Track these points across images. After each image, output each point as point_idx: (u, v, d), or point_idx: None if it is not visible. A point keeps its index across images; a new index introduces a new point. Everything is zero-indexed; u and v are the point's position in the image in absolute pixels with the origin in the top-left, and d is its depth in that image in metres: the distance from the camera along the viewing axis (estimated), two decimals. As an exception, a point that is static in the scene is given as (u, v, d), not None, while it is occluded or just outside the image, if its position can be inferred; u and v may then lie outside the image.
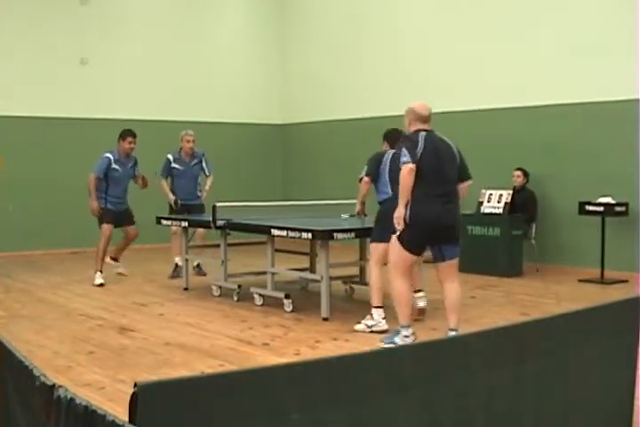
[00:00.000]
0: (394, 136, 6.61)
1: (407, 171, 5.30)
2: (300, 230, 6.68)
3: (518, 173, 9.78)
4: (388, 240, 5.69)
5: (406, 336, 5.63)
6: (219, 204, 7.76)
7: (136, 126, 10.61)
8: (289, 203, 9.63)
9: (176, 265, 9.22)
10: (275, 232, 6.97)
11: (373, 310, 6.27)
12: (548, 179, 9.84)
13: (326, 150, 12.95)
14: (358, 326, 6.32)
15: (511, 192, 9.58)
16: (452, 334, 5.51)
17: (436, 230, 5.45)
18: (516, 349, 2.83)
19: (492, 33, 10.40)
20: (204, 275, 9.25)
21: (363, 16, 12.24)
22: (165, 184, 9.29)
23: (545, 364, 2.96)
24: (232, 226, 7.63)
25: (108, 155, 8.77)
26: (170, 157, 9.32)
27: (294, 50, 13.68)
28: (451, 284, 5.67)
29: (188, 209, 9.16)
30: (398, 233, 5.46)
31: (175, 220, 8.51)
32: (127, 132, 8.84)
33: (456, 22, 10.84)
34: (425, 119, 5.58)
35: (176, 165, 9.27)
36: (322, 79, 13.02)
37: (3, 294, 8.04)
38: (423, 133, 5.49)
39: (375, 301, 6.29)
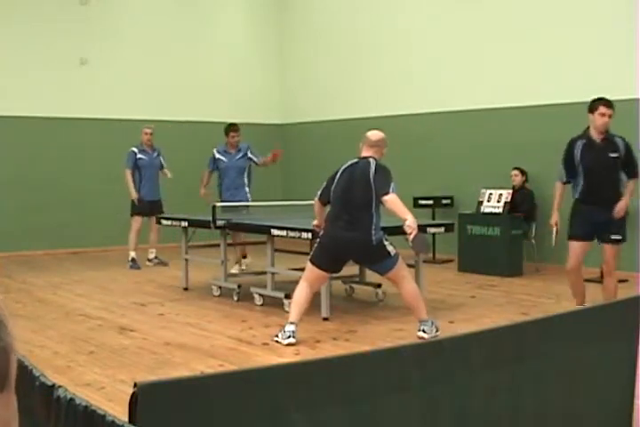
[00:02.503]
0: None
1: (315, 201, 6.24)
2: (300, 230, 6.68)
3: (515, 172, 9.78)
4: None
5: (291, 332, 5.74)
6: (218, 204, 7.75)
7: (136, 126, 10.60)
8: (289, 203, 9.62)
9: (132, 259, 9.76)
10: (275, 232, 6.97)
11: None
12: (548, 178, 9.81)
13: (326, 150, 12.92)
14: None
15: (511, 192, 9.58)
16: (421, 327, 5.90)
17: (334, 252, 5.87)
18: (515, 349, 2.83)
19: (492, 33, 10.38)
20: (166, 264, 9.81)
21: (363, 16, 12.23)
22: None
23: (545, 364, 2.96)
24: (232, 226, 7.63)
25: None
26: (134, 149, 9.89)
27: (294, 50, 13.67)
28: (400, 289, 5.96)
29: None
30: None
31: (175, 220, 8.48)
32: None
33: (456, 22, 10.83)
34: (371, 144, 6.08)
35: (142, 156, 9.88)
36: (322, 79, 13.01)
37: (3, 294, 8.02)
38: (349, 162, 6.09)
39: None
